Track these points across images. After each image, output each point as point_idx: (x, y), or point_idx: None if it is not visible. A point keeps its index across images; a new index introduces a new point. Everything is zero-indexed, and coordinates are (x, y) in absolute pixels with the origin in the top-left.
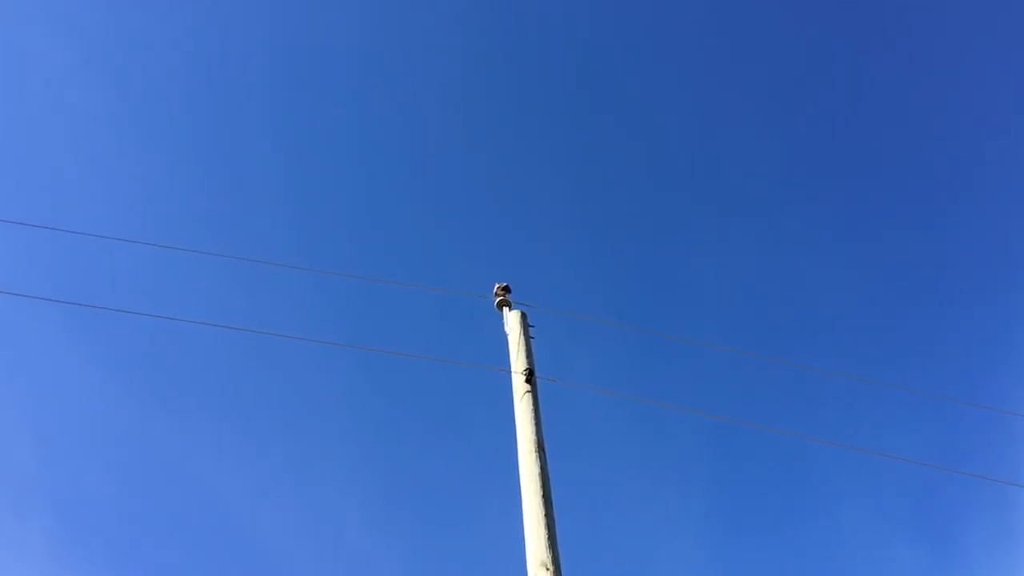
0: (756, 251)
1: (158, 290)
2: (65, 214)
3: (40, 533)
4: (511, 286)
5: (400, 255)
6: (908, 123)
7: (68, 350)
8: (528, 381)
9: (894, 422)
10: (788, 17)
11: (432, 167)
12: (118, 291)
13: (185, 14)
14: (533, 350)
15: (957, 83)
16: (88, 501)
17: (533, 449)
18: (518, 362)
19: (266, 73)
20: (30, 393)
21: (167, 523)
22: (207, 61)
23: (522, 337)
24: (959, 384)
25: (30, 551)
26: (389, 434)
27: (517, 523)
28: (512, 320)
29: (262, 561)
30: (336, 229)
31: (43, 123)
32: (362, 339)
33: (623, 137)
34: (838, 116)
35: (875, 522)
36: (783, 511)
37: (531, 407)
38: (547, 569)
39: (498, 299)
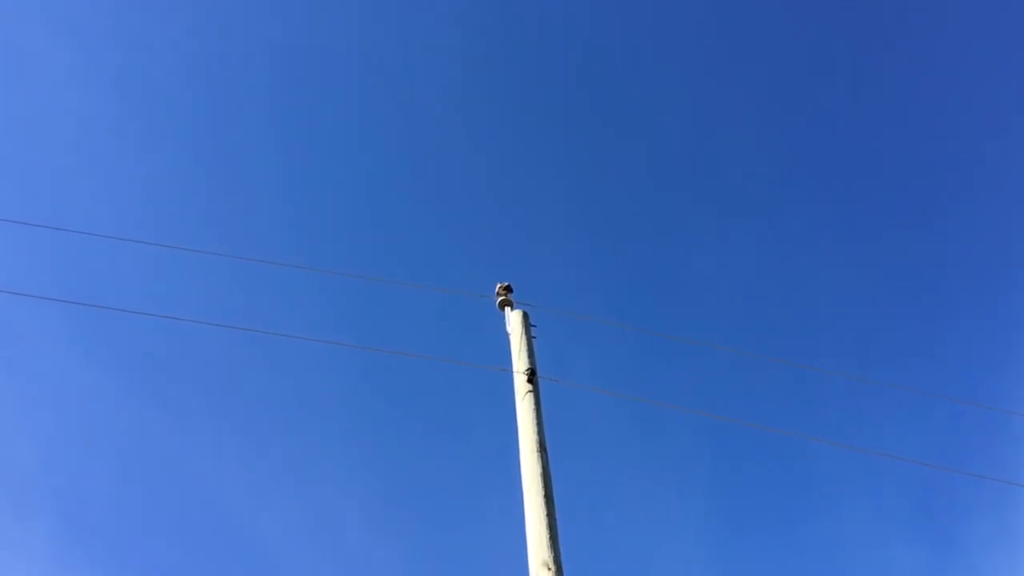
0: (756, 251)
1: (159, 290)
2: (66, 214)
3: (41, 533)
4: (513, 286)
5: (402, 255)
6: (908, 123)
7: (69, 350)
8: (530, 381)
9: (895, 422)
10: (788, 17)
11: (434, 167)
12: (119, 291)
13: (186, 14)
14: (535, 350)
15: (957, 83)
16: (89, 501)
17: (535, 449)
18: (520, 362)
19: (268, 73)
20: (31, 393)
21: (168, 523)
22: (209, 61)
23: (524, 337)
24: (960, 384)
25: (31, 551)
26: (390, 434)
27: (518, 523)
28: (514, 320)
29: (262, 561)
30: (338, 229)
31: (44, 123)
32: (364, 339)
33: (624, 137)
34: (838, 116)
35: (875, 522)
36: (784, 511)
37: (533, 407)
38: (549, 569)
39: (500, 299)
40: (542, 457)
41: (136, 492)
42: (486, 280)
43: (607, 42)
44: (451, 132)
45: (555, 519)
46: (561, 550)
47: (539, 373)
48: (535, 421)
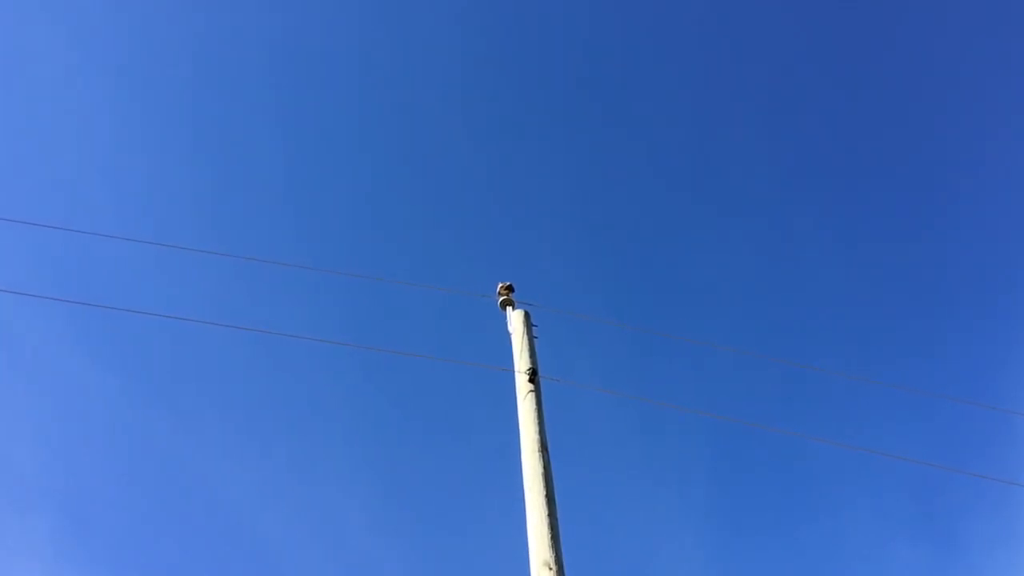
0: (757, 251)
1: (161, 289)
2: (67, 213)
3: (43, 531)
4: (514, 285)
5: (403, 255)
6: (908, 123)
7: (72, 349)
8: (531, 381)
9: (895, 422)
10: (788, 17)
11: (435, 167)
12: (121, 290)
13: (187, 14)
14: (536, 350)
15: (957, 84)
16: (91, 500)
17: (536, 449)
18: (521, 361)
19: (270, 73)
20: (33, 392)
21: (169, 522)
22: (211, 61)
23: (525, 337)
24: (961, 384)
25: (34, 550)
26: (392, 434)
27: (520, 523)
28: (515, 319)
29: (264, 561)
30: (339, 229)
31: (46, 122)
32: (365, 339)
33: (625, 137)
34: (838, 116)
35: (876, 522)
36: (784, 511)
37: (534, 407)
38: (550, 569)
39: (501, 298)
40: (543, 457)
41: (138, 491)
42: (487, 280)
43: (608, 42)
44: (452, 132)
45: (556, 519)
46: (562, 550)
47: (540, 373)
48: (536, 421)
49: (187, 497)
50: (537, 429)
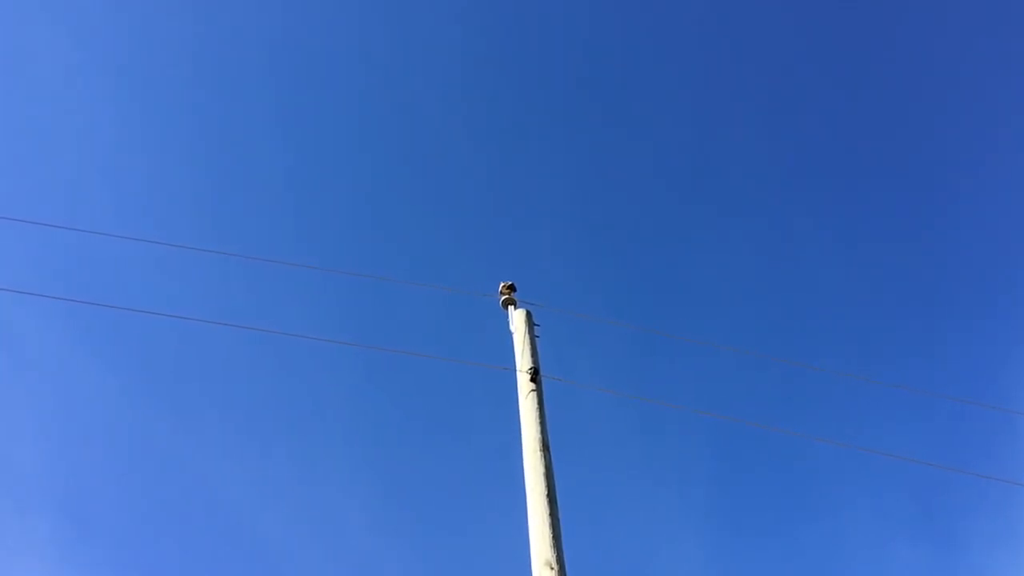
0: (758, 251)
1: (162, 289)
2: (69, 213)
3: (44, 531)
4: (516, 285)
5: (405, 254)
6: (908, 123)
7: (72, 349)
8: (533, 380)
9: (896, 422)
10: (788, 18)
11: (437, 166)
12: (122, 290)
13: (187, 13)
14: (538, 349)
15: (957, 84)
16: (92, 500)
17: (538, 448)
18: (523, 361)
19: (272, 73)
20: (35, 391)
21: (170, 522)
22: (212, 61)
23: (527, 336)
24: (961, 383)
25: (34, 550)
26: (393, 433)
27: (521, 522)
28: (517, 319)
29: (264, 561)
30: (341, 228)
31: (48, 122)
32: (366, 338)
33: (627, 137)
34: (839, 117)
35: (877, 522)
36: (785, 511)
37: (536, 406)
38: (551, 568)
39: (503, 298)
40: (545, 456)
41: (139, 491)
42: (489, 279)
43: (609, 42)
44: (454, 132)
45: (558, 518)
46: (564, 549)
47: (542, 372)
48: (538, 420)
49: (187, 497)
50: (539, 428)
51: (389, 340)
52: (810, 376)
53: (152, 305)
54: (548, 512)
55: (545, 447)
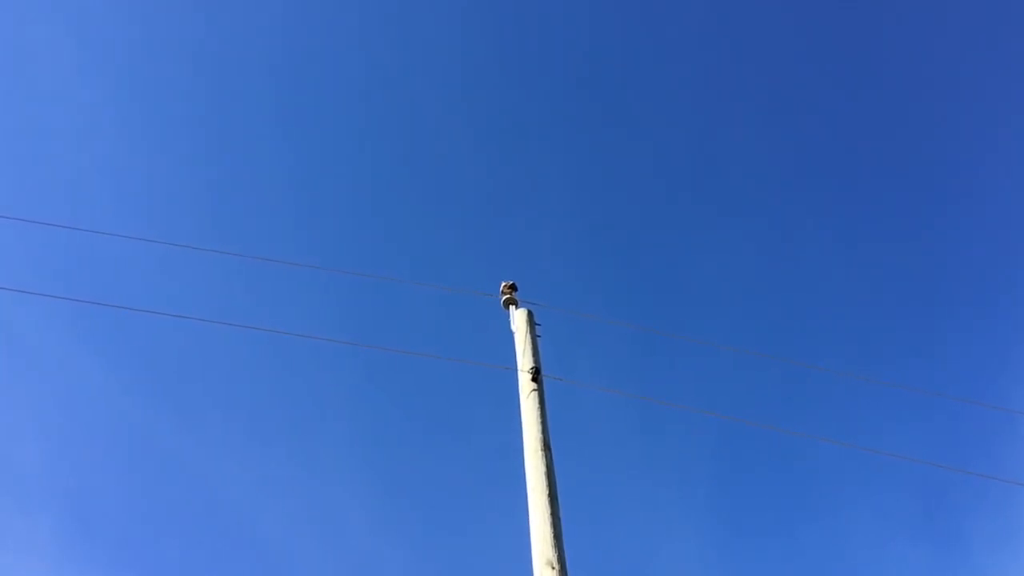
0: (758, 251)
1: (163, 288)
2: (70, 212)
3: (46, 530)
4: (517, 284)
5: (406, 253)
6: (908, 123)
7: (75, 348)
8: (534, 379)
9: (897, 422)
10: (788, 18)
11: (438, 166)
12: (123, 289)
13: (189, 13)
14: (539, 348)
15: (957, 84)
16: (94, 498)
17: (539, 448)
18: (524, 360)
19: (273, 73)
20: (36, 391)
21: (171, 521)
22: (213, 61)
23: (528, 335)
24: (962, 383)
25: (36, 548)
26: (394, 433)
27: (522, 522)
28: (518, 318)
29: (264, 560)
30: (342, 228)
31: (48, 122)
32: (368, 337)
33: (628, 137)
34: (838, 116)
35: (878, 522)
36: (786, 510)
37: (537, 405)
38: (553, 568)
39: (504, 297)
40: (546, 456)
41: (140, 490)
42: (491, 279)
43: (610, 42)
44: (455, 131)
45: (559, 518)
46: (565, 549)
47: (543, 372)
48: (539, 420)
49: (189, 496)
50: (540, 428)
51: (390, 340)
52: (810, 376)
53: (153, 305)
54: (549, 512)
55: (546, 447)
